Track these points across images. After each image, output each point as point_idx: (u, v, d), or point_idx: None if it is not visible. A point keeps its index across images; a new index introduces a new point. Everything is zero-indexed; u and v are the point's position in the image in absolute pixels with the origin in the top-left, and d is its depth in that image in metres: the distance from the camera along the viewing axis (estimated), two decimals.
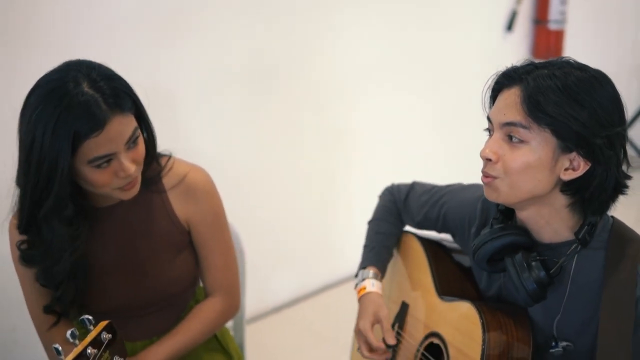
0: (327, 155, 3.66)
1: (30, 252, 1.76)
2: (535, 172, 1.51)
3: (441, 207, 1.92)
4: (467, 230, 1.82)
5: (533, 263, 1.59)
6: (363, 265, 2.03)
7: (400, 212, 2.07)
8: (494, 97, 1.60)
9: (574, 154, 1.50)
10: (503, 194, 1.56)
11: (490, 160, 1.54)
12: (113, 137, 1.64)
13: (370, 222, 2.12)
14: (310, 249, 3.73)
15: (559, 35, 4.41)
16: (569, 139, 1.48)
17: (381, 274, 2.02)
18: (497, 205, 1.68)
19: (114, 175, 1.69)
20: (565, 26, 4.41)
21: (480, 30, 4.22)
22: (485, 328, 1.67)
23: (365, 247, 2.08)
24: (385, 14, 3.68)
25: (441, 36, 3.99)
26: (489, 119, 1.59)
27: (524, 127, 1.49)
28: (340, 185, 3.76)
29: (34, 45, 2.60)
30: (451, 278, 1.96)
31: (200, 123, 3.11)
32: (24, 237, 1.77)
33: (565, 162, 1.51)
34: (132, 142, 1.70)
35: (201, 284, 2.08)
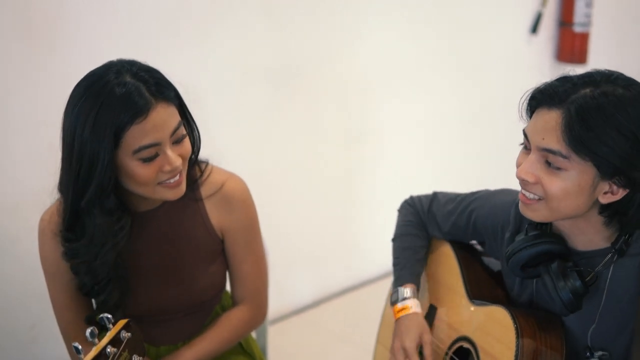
0: (349, 156, 3.64)
1: (74, 246, 1.74)
2: (575, 198, 1.49)
3: (470, 214, 1.87)
4: (500, 236, 1.79)
5: (569, 272, 1.56)
6: (400, 283, 1.98)
7: (425, 223, 2.03)
8: (531, 110, 1.55)
9: (613, 181, 1.47)
10: (541, 216, 1.54)
11: (527, 181, 1.51)
12: (158, 124, 1.63)
13: (395, 239, 2.07)
14: (331, 250, 3.71)
15: (584, 38, 4.36)
16: (608, 172, 1.44)
17: (418, 290, 1.98)
18: None
19: (159, 170, 1.67)
20: (590, 29, 4.36)
21: (504, 32, 4.19)
22: (519, 334, 1.64)
23: (397, 265, 2.02)
24: (408, 15, 3.66)
25: (465, 38, 3.96)
26: (524, 134, 1.54)
27: (563, 156, 1.45)
28: (361, 186, 3.73)
29: (60, 46, 2.61)
30: (482, 282, 1.92)
31: (222, 122, 3.10)
32: (64, 236, 1.75)
33: (604, 186, 1.47)
34: (178, 138, 1.69)
35: (227, 289, 2.06)
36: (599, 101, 1.43)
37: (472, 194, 1.92)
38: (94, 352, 1.33)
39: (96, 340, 1.36)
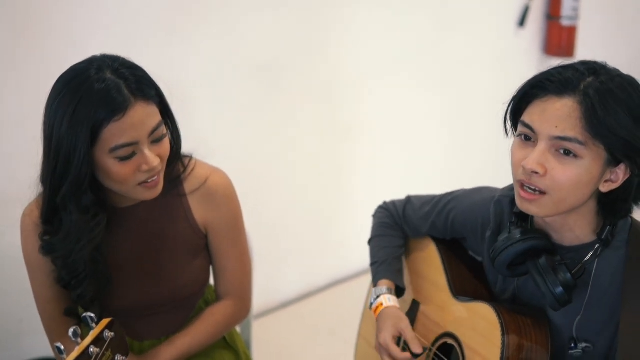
0: (336, 151, 3.63)
1: (51, 241, 1.74)
2: (584, 187, 1.49)
3: (448, 213, 1.87)
4: (481, 234, 1.79)
5: (558, 266, 1.56)
6: (374, 282, 1.99)
7: (402, 225, 2.03)
8: (527, 101, 1.54)
9: (618, 167, 1.48)
10: (546, 210, 1.52)
11: (536, 172, 1.49)
12: (136, 123, 1.62)
13: (371, 241, 2.07)
14: (316, 244, 3.71)
15: (571, 32, 4.36)
16: (622, 154, 1.46)
17: (395, 284, 1.97)
18: (512, 207, 1.65)
19: (136, 169, 1.66)
20: (577, 22, 4.37)
21: (492, 26, 4.19)
22: (505, 330, 1.64)
23: (373, 264, 2.03)
24: (395, 8, 3.64)
25: (452, 31, 3.95)
26: (527, 125, 1.52)
27: (580, 143, 1.45)
28: (347, 180, 3.73)
29: (46, 40, 2.60)
30: (465, 278, 1.92)
31: (207, 118, 3.10)
32: (42, 229, 1.75)
33: (607, 174, 1.49)
34: (157, 138, 1.67)
35: (211, 283, 2.06)
36: (610, 86, 1.46)
37: (449, 194, 1.91)
38: (76, 352, 1.33)
39: (79, 339, 1.35)
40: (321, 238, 3.72)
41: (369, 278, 2.06)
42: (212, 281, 2.06)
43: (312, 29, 3.36)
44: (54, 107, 1.63)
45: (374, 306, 1.94)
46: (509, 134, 1.61)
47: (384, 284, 1.96)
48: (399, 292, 1.98)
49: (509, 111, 1.59)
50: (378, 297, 1.93)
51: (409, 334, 1.85)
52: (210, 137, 3.08)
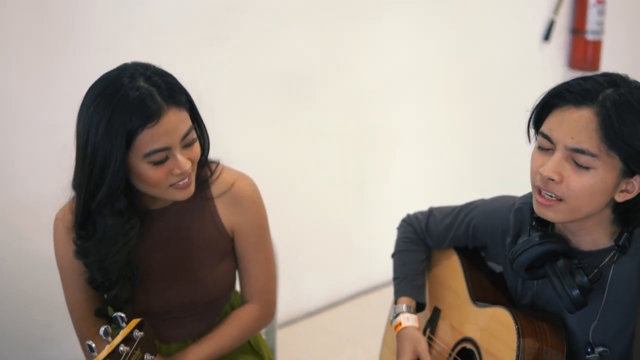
0: (360, 160, 3.65)
1: (85, 245, 1.78)
2: (599, 196, 1.52)
3: (468, 224, 1.90)
4: (501, 241, 1.81)
5: (575, 269, 1.59)
6: (395, 299, 2.01)
7: (425, 239, 2.05)
8: (547, 110, 1.57)
9: (633, 178, 1.51)
10: (562, 216, 1.56)
11: (552, 179, 1.52)
12: (169, 129, 1.67)
13: (394, 255, 2.10)
14: (342, 254, 3.72)
15: (596, 46, 4.35)
16: (637, 165, 1.49)
17: (416, 300, 1.99)
18: (533, 213, 1.67)
19: (169, 172, 1.70)
20: (602, 37, 4.37)
21: (517, 40, 4.19)
22: (521, 334, 1.66)
23: (395, 279, 2.05)
24: (421, 21, 3.67)
25: (478, 45, 3.96)
26: (545, 136, 1.56)
27: (592, 155, 1.48)
28: (373, 190, 3.75)
29: (75, 49, 2.66)
30: (484, 284, 1.95)
31: (232, 126, 3.12)
32: (76, 234, 1.79)
33: (622, 185, 1.52)
34: (188, 142, 1.72)
35: (237, 289, 2.09)
36: (628, 98, 1.48)
37: (469, 204, 1.95)
38: (107, 350, 1.36)
39: (110, 338, 1.38)
40: (346, 248, 3.73)
41: (393, 289, 2.08)
42: (238, 287, 2.09)
43: (338, 40, 3.38)
44: (89, 115, 1.68)
45: (394, 324, 1.97)
46: (532, 140, 1.64)
47: (404, 302, 1.98)
48: (419, 307, 2.01)
49: (531, 119, 1.63)
50: (397, 315, 1.96)
51: (425, 357, 1.89)
52: (236, 145, 3.11)
